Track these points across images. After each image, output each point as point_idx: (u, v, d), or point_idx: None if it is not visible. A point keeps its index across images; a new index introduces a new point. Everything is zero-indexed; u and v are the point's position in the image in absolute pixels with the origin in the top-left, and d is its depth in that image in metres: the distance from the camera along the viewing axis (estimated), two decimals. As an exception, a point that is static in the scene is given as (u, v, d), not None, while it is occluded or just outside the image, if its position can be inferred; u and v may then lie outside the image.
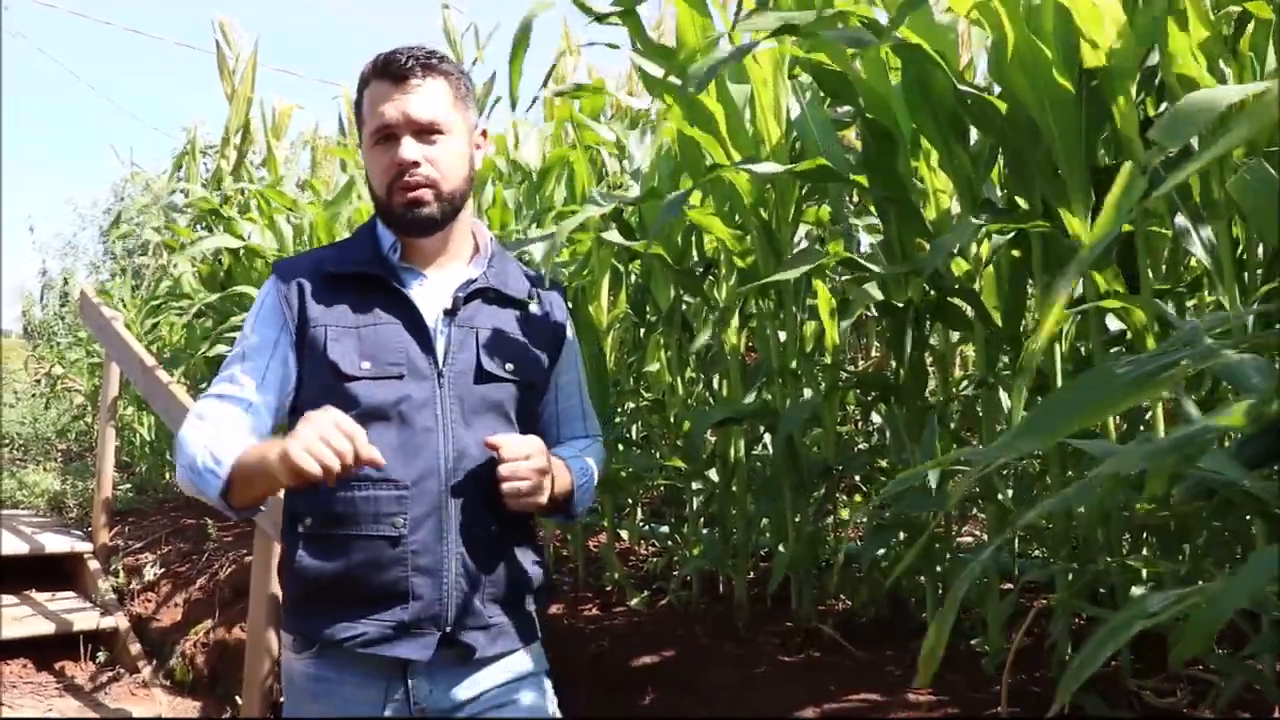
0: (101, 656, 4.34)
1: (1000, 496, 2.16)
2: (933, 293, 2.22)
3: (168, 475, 6.65)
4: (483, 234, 1.68)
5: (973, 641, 2.23)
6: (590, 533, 3.59)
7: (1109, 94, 1.77)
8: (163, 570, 4.75)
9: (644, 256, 2.81)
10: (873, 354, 3.75)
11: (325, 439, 1.29)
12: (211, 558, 4.61)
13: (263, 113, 5.96)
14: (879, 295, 2.24)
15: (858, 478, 2.93)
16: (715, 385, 3.15)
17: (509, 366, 1.58)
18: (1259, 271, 1.80)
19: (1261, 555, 0.76)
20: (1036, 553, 2.72)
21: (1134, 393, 0.72)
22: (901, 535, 2.31)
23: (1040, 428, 0.75)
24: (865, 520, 3.01)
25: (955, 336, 2.51)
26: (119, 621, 4.45)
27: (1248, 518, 1.66)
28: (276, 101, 6.04)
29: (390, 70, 1.51)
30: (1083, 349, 2.51)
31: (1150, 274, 1.90)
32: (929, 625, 2.17)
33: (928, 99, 2.01)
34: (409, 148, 1.50)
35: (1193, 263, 2.35)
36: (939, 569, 2.29)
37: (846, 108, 2.42)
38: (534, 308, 1.67)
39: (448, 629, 1.48)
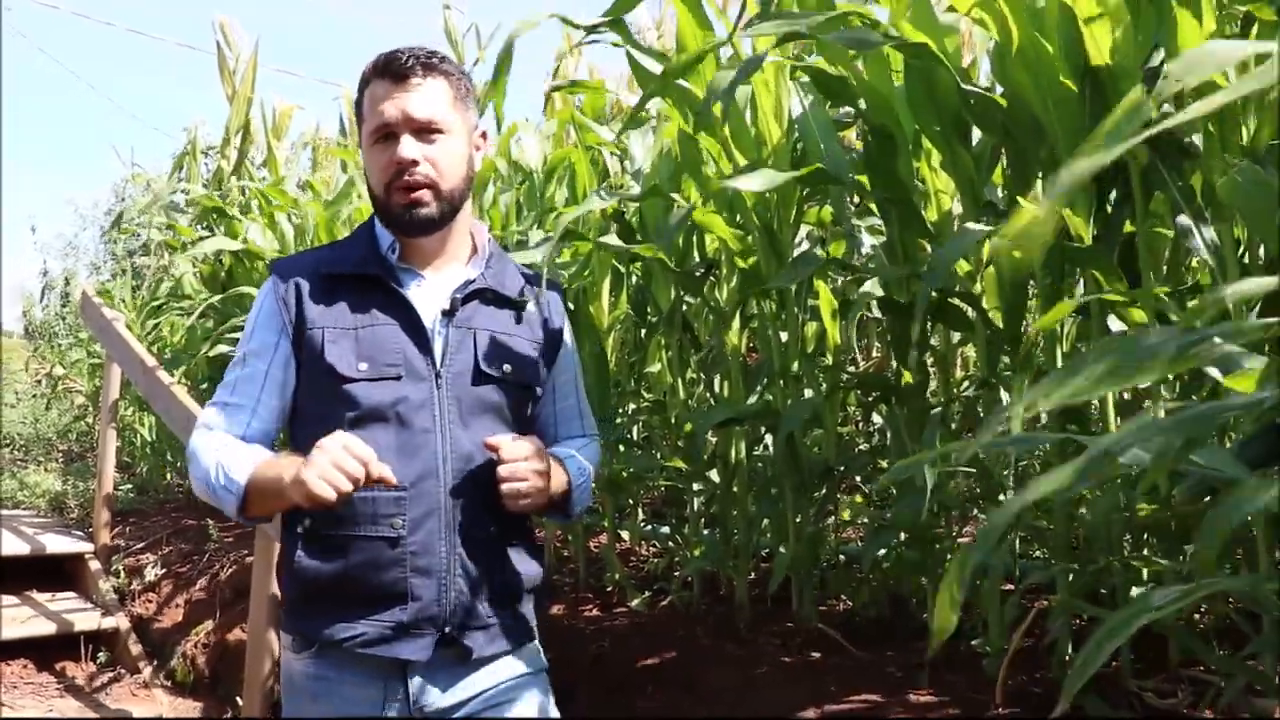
0: (102, 657, 4.34)
1: (1001, 497, 2.16)
2: (933, 293, 2.21)
3: (169, 476, 6.65)
4: (481, 234, 1.68)
5: (974, 642, 2.23)
6: (591, 533, 3.59)
7: (1112, 93, 1.77)
8: (164, 571, 4.75)
9: (645, 258, 2.81)
10: (873, 354, 3.74)
11: (338, 464, 1.33)
12: (212, 558, 4.61)
13: (263, 113, 5.96)
14: (880, 292, 2.23)
15: (858, 478, 2.93)
16: (716, 386, 3.15)
17: (506, 367, 1.58)
18: (1262, 273, 1.80)
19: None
20: (1038, 554, 2.72)
21: (1169, 363, 0.70)
22: (902, 536, 2.30)
23: (1071, 382, 0.72)
24: (866, 521, 3.01)
25: (956, 337, 2.51)
26: (120, 622, 4.45)
27: (1249, 518, 1.66)
28: (277, 102, 6.04)
29: (391, 69, 1.51)
30: (1084, 350, 2.51)
31: (1151, 275, 1.90)
32: (929, 626, 2.17)
33: (931, 99, 2.01)
34: (408, 147, 1.50)
35: (1194, 263, 2.35)
36: (940, 570, 2.29)
37: (847, 109, 2.42)
38: (532, 308, 1.67)
39: (446, 629, 1.49)
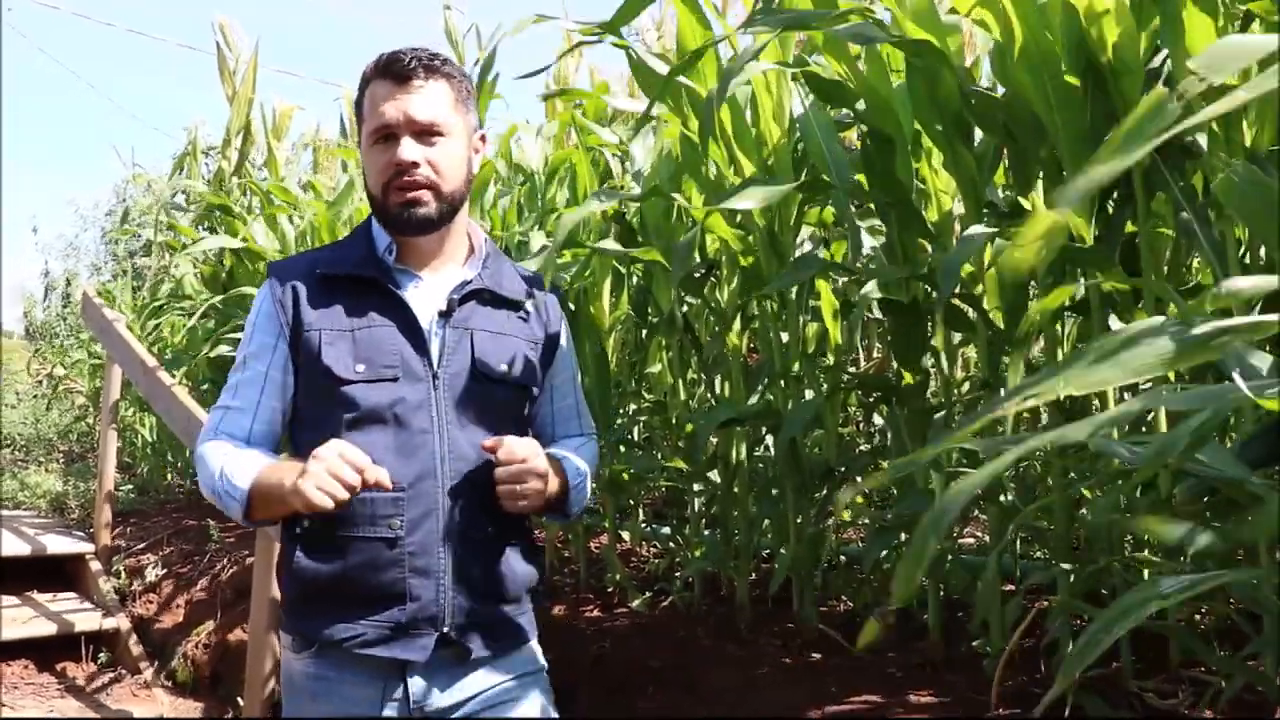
0: (103, 657, 4.34)
1: (1002, 498, 2.16)
2: (935, 294, 2.21)
3: (169, 476, 6.66)
4: (478, 235, 1.68)
5: (974, 643, 2.23)
6: (592, 534, 3.59)
7: (1115, 92, 1.77)
8: (164, 571, 4.75)
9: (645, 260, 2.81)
10: (874, 355, 3.74)
11: (334, 473, 1.36)
12: (213, 559, 4.61)
13: (263, 114, 5.96)
14: (875, 291, 2.23)
15: (859, 479, 2.93)
16: (717, 387, 3.15)
17: (504, 368, 1.58)
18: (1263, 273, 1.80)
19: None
20: (1039, 554, 2.72)
21: (1187, 354, 0.70)
22: (903, 536, 2.30)
23: (1084, 372, 0.71)
24: (867, 522, 3.01)
25: (957, 338, 2.50)
26: (120, 622, 4.45)
27: (1250, 518, 1.66)
28: (277, 103, 6.04)
29: (393, 70, 1.51)
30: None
31: (1153, 275, 1.90)
32: (930, 627, 2.17)
33: (933, 99, 2.01)
34: (409, 148, 1.50)
35: (1195, 263, 2.35)
36: (941, 570, 2.29)
37: (848, 110, 2.42)
38: (529, 308, 1.67)
39: (445, 629, 1.49)
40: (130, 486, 6.55)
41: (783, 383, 2.54)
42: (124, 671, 4.24)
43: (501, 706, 1.55)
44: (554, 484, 1.57)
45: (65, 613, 4.48)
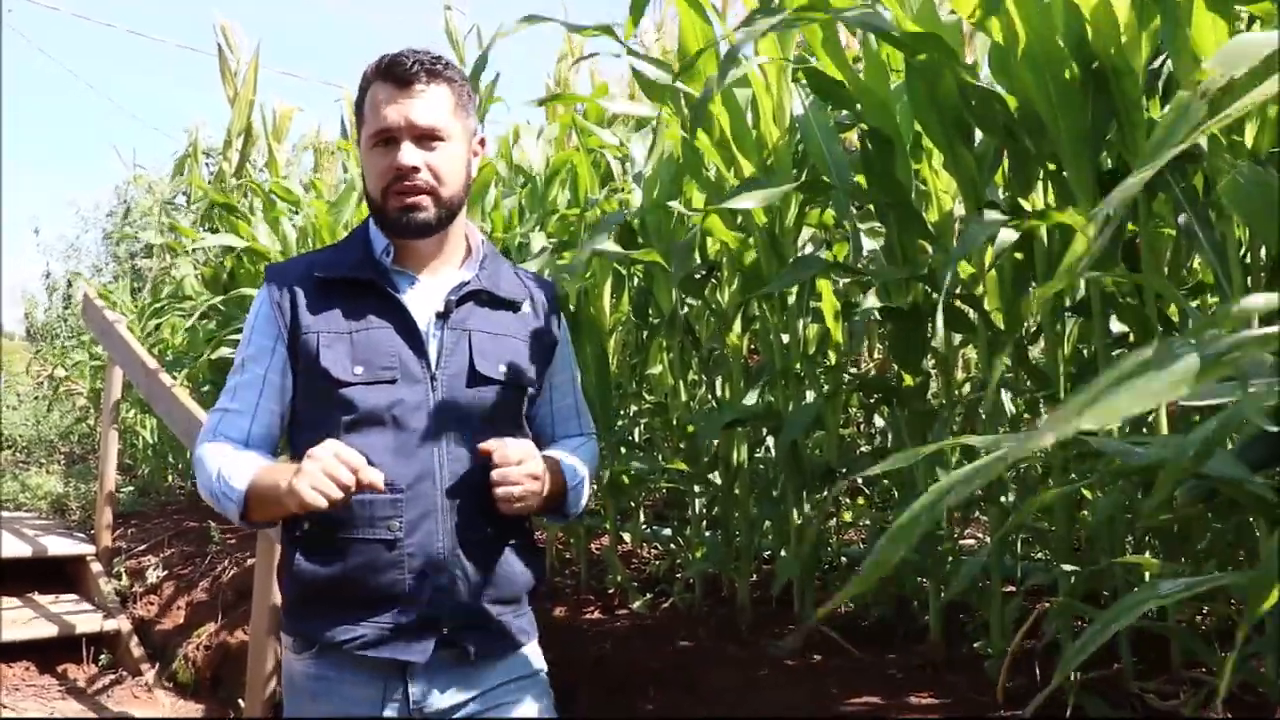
0: (104, 659, 4.34)
1: (1003, 499, 2.16)
2: (935, 296, 2.21)
3: (170, 478, 6.66)
4: (475, 236, 1.68)
5: (975, 644, 2.23)
6: (593, 535, 3.59)
7: (1117, 92, 1.77)
8: (165, 573, 4.75)
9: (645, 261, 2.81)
10: (875, 356, 3.74)
11: (329, 473, 1.36)
12: (214, 560, 4.61)
13: (264, 115, 5.97)
14: (876, 302, 2.23)
15: (860, 480, 2.93)
16: (718, 388, 3.15)
17: (502, 368, 1.58)
18: (1263, 274, 1.80)
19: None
20: (1039, 556, 2.72)
21: (1200, 374, 0.69)
22: (895, 525, 2.30)
23: (1103, 404, 0.71)
24: (868, 523, 3.01)
25: (957, 339, 2.50)
26: (121, 624, 4.45)
27: (1251, 519, 1.66)
28: (278, 104, 6.05)
29: (395, 73, 1.51)
30: (1085, 352, 2.51)
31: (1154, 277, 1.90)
32: (931, 628, 2.17)
33: (933, 99, 2.01)
34: (409, 153, 1.50)
35: (1195, 264, 2.35)
36: (942, 571, 2.29)
37: (848, 111, 2.42)
38: (527, 308, 1.67)
39: (445, 630, 1.49)
40: (131, 488, 6.54)
41: (783, 384, 2.54)
42: (125, 673, 4.24)
43: (502, 707, 1.55)
44: (553, 485, 1.57)
45: (66, 614, 4.48)
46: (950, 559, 2.27)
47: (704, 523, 3.15)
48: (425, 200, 1.52)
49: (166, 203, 6.61)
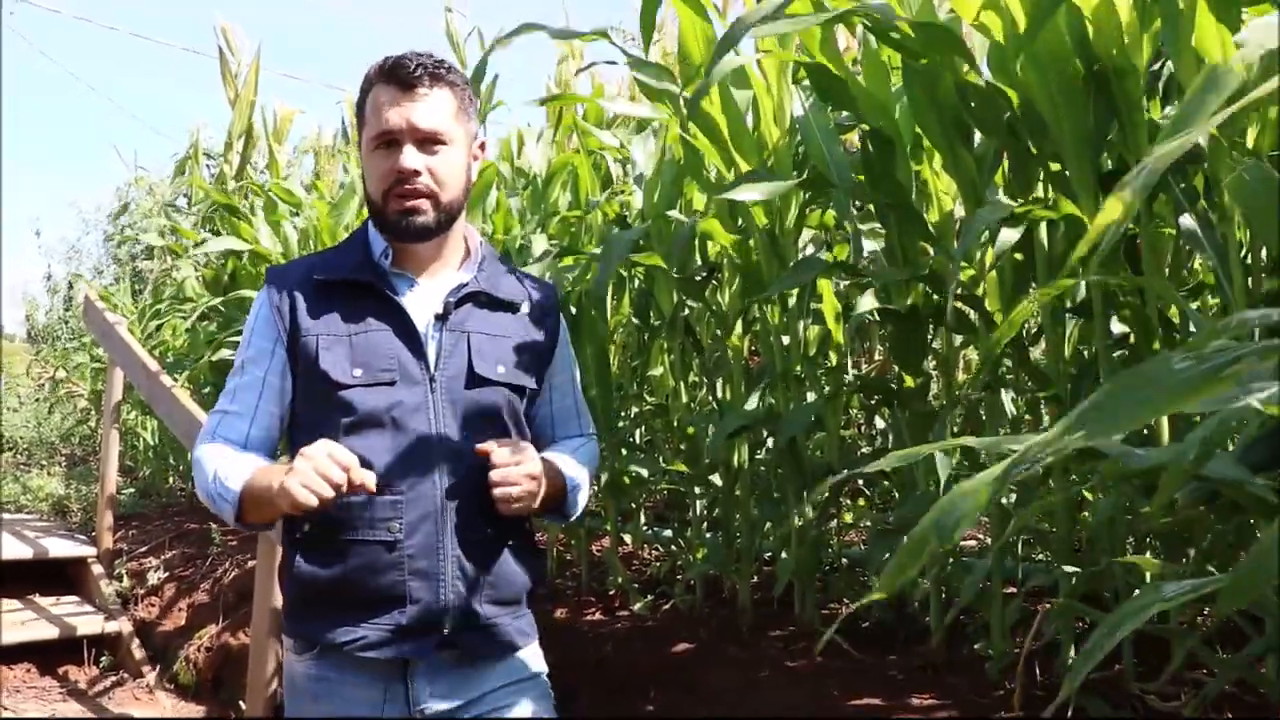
0: (105, 661, 4.34)
1: (1003, 501, 2.16)
2: (935, 297, 2.22)
3: (171, 479, 6.66)
4: (474, 238, 1.69)
5: (976, 646, 2.23)
6: (594, 537, 3.59)
7: (1118, 92, 1.77)
8: (166, 574, 4.76)
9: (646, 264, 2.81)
10: (875, 357, 3.75)
11: (321, 471, 1.36)
12: (215, 562, 4.61)
13: (265, 117, 5.97)
14: (873, 303, 2.23)
15: (861, 482, 2.93)
16: (719, 390, 3.16)
17: (501, 370, 1.58)
18: (1263, 275, 1.80)
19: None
20: (1040, 557, 2.72)
21: (1201, 388, 0.69)
22: (905, 539, 2.30)
23: (1102, 418, 0.71)
24: (869, 524, 3.01)
25: (958, 340, 2.51)
26: (123, 626, 4.45)
27: (1252, 521, 1.66)
28: (279, 106, 6.05)
29: (398, 75, 1.51)
30: (1086, 353, 2.51)
31: (1155, 278, 1.90)
32: (932, 630, 2.17)
33: (933, 99, 2.01)
34: (410, 157, 1.50)
35: (1196, 264, 2.35)
36: (942, 572, 2.29)
37: (848, 113, 2.42)
38: (526, 310, 1.67)
39: (446, 631, 1.49)
40: (132, 490, 6.56)
41: (784, 385, 2.54)
42: (126, 675, 4.25)
43: (502, 709, 1.55)
44: (553, 485, 1.57)
45: (67, 616, 4.49)
46: (951, 561, 2.27)
47: (705, 524, 3.15)
48: (425, 204, 1.52)
49: (167, 204, 6.61)
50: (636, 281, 3.35)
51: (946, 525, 0.74)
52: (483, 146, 1.67)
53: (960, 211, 2.26)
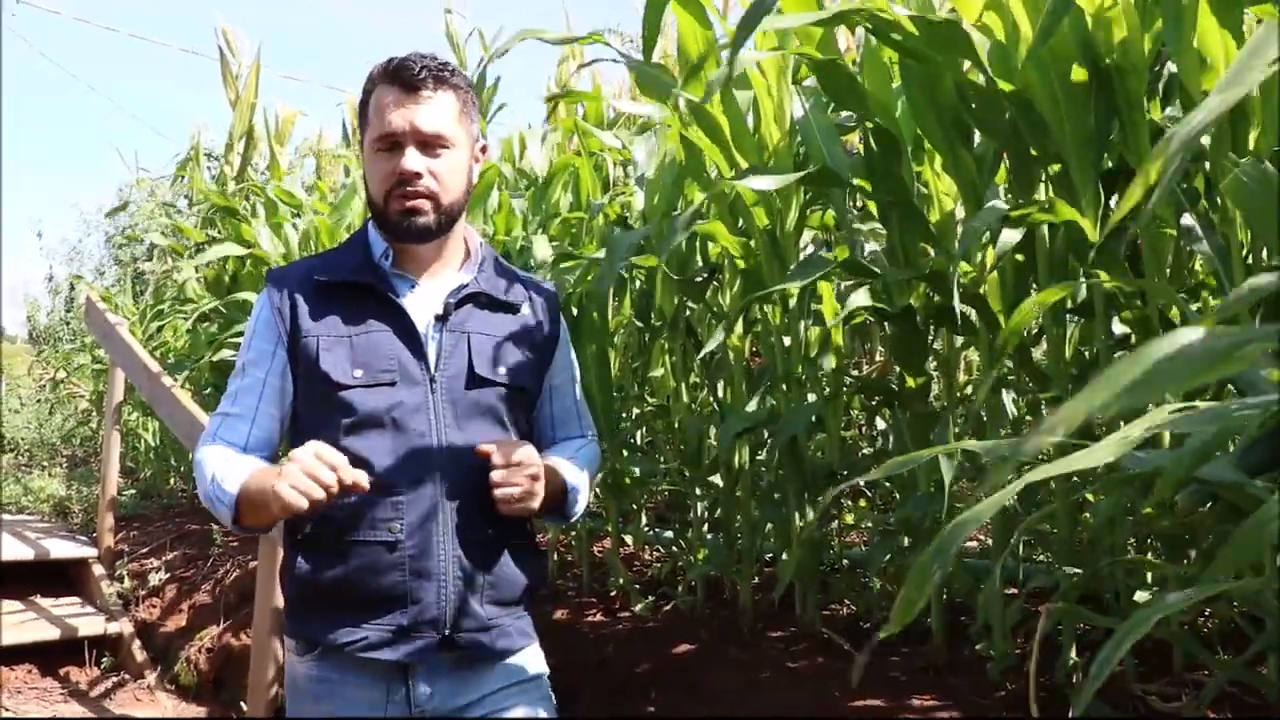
0: (106, 662, 4.34)
1: (1004, 502, 2.16)
2: (936, 297, 2.21)
3: (172, 480, 6.66)
4: (474, 239, 1.69)
5: (977, 646, 2.23)
6: (595, 538, 3.59)
7: (1120, 92, 1.77)
8: (168, 575, 4.76)
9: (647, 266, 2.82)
10: (876, 359, 3.74)
11: (309, 472, 1.35)
12: (216, 563, 4.61)
13: (266, 119, 5.97)
14: (865, 300, 2.22)
15: (862, 483, 2.93)
16: (719, 391, 3.16)
17: (501, 370, 1.59)
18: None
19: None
20: (1041, 558, 2.72)
21: (1219, 364, 0.69)
22: (906, 541, 2.30)
23: (1122, 386, 0.70)
24: (870, 525, 3.01)
25: (959, 341, 2.51)
26: (124, 627, 4.46)
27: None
28: (280, 108, 6.05)
29: (402, 77, 1.52)
30: (1086, 354, 2.51)
31: (1156, 277, 1.90)
32: (933, 631, 2.17)
33: (933, 100, 2.01)
34: (413, 159, 1.51)
35: (1197, 265, 2.35)
36: (944, 574, 2.29)
37: (848, 114, 2.42)
38: (526, 311, 1.67)
39: (447, 632, 1.50)
40: (133, 491, 6.56)
41: (785, 386, 2.54)
42: (127, 676, 4.25)
43: (504, 709, 1.56)
44: (553, 486, 1.57)
45: (68, 617, 4.49)
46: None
47: (706, 525, 3.15)
48: (426, 205, 1.53)
49: (168, 205, 6.62)
50: (638, 283, 3.35)
51: (948, 554, 0.74)
52: (484, 149, 1.68)
53: (961, 213, 2.26)
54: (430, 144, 1.52)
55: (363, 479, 1.40)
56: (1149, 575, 1.94)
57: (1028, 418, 2.83)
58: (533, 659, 1.63)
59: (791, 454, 2.43)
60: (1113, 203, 1.94)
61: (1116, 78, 1.79)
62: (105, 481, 5.18)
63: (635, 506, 3.49)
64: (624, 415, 3.54)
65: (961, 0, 1.99)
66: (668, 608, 2.93)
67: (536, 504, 1.52)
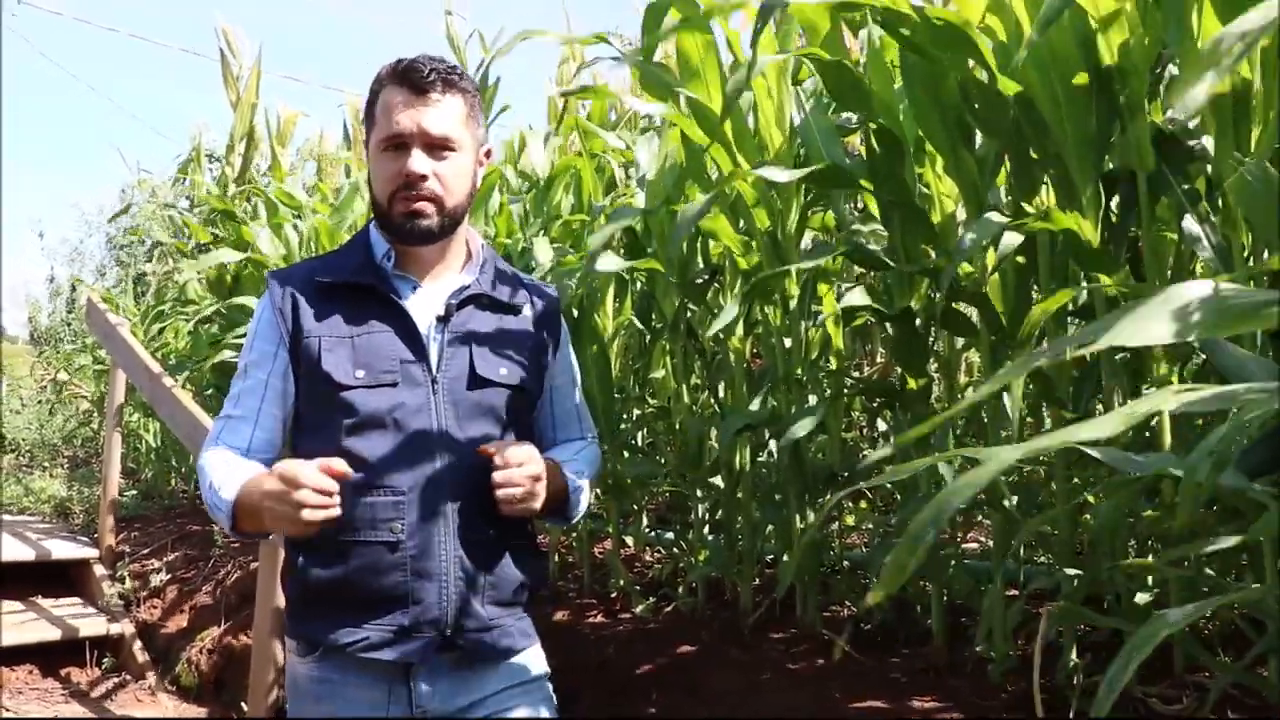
0: (107, 663, 4.34)
1: (1006, 504, 2.16)
2: (938, 298, 2.21)
3: (173, 481, 6.67)
4: (475, 241, 1.69)
5: (978, 648, 2.23)
6: (596, 539, 3.59)
7: (1121, 92, 1.77)
8: (169, 576, 4.76)
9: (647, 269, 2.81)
10: (878, 360, 3.74)
11: (305, 502, 1.34)
12: (217, 564, 4.61)
13: (267, 120, 5.97)
14: (863, 299, 2.22)
15: (863, 484, 2.92)
16: (720, 392, 3.15)
17: (502, 371, 1.59)
18: (1265, 279, 1.79)
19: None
20: (1042, 559, 2.72)
21: (1237, 319, 0.68)
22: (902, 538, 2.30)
23: (1140, 324, 0.68)
24: (870, 526, 3.01)
25: (960, 342, 2.51)
26: (125, 627, 4.46)
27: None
28: (281, 108, 6.05)
29: (411, 79, 1.52)
30: (1088, 355, 2.50)
31: (1157, 280, 1.90)
32: (934, 632, 2.17)
33: (935, 100, 2.01)
34: (419, 161, 1.51)
35: (1198, 267, 2.35)
36: (944, 575, 2.29)
37: (849, 115, 2.42)
38: (527, 312, 1.68)
39: (448, 632, 1.50)
40: (135, 492, 6.56)
41: (786, 388, 2.54)
42: (128, 677, 4.25)
43: (505, 710, 1.56)
44: (554, 487, 1.58)
45: (70, 618, 4.49)
46: (953, 563, 2.27)
47: (706, 526, 3.15)
48: (430, 208, 1.53)
49: (168, 205, 6.62)
50: (638, 284, 3.35)
51: (941, 520, 0.74)
52: (489, 153, 1.68)
53: (962, 214, 2.26)
54: (436, 146, 1.52)
55: (342, 465, 1.38)
56: (1149, 578, 1.93)
57: (1029, 419, 2.83)
58: (534, 659, 1.63)
59: (792, 455, 2.43)
60: (1113, 204, 1.94)
61: (1118, 79, 1.79)
62: (106, 482, 5.18)
63: (636, 508, 3.49)
64: (625, 417, 3.55)
65: (964, 1, 1.99)
66: (668, 609, 2.93)
67: (538, 505, 1.52)
